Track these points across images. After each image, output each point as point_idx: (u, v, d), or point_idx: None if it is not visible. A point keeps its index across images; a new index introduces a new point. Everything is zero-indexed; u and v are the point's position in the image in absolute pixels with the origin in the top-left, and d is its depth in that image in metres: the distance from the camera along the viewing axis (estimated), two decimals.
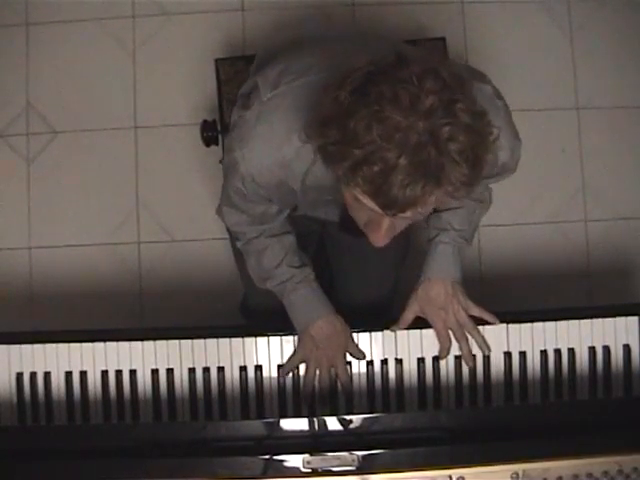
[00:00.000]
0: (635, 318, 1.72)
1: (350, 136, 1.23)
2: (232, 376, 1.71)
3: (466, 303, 1.71)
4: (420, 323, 1.72)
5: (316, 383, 1.72)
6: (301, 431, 1.61)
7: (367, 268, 1.88)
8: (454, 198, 1.27)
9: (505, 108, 1.53)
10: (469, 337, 1.71)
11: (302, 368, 1.73)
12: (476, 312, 1.71)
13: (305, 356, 1.71)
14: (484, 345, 1.71)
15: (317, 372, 1.72)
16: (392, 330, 1.72)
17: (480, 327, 1.71)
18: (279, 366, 1.72)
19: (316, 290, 1.72)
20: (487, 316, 1.71)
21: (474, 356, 1.71)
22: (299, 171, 1.48)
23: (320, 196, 1.55)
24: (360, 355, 1.72)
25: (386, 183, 1.22)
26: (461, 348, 1.71)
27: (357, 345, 1.73)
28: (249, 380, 1.71)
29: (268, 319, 1.91)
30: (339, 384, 1.72)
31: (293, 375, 1.72)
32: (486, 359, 1.72)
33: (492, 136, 1.28)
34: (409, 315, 1.71)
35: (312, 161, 1.43)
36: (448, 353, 1.71)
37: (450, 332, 1.71)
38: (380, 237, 1.36)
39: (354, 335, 1.73)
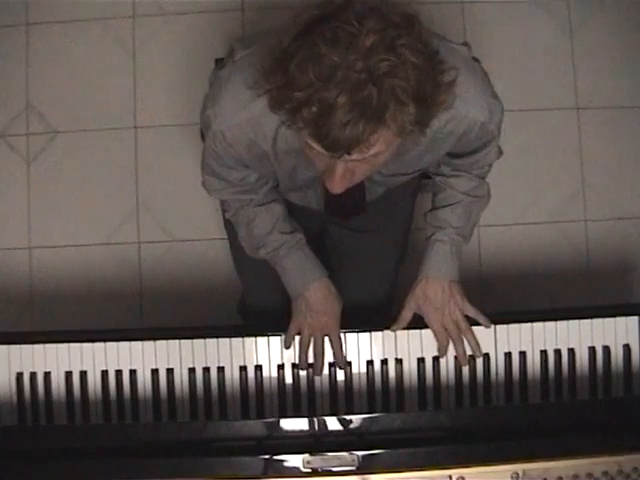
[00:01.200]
0: (635, 318, 1.72)
1: (290, 79, 1.22)
2: (232, 376, 1.71)
3: (463, 303, 1.71)
4: (420, 323, 1.72)
5: (311, 351, 1.72)
6: (301, 431, 1.61)
7: (366, 268, 1.89)
8: (406, 139, 1.25)
9: (481, 69, 1.53)
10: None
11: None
12: (472, 313, 1.72)
13: (300, 323, 1.71)
14: (477, 348, 1.71)
15: (311, 340, 1.72)
16: (392, 330, 1.72)
17: (481, 327, 1.71)
18: (279, 366, 1.72)
19: (308, 254, 1.72)
20: (481, 319, 1.72)
21: (472, 357, 1.71)
22: (269, 129, 1.46)
23: (294, 163, 1.54)
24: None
25: (326, 124, 1.21)
26: (456, 349, 1.71)
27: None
28: (249, 380, 1.71)
29: (265, 319, 1.92)
30: (338, 387, 1.72)
31: (293, 375, 1.72)
32: (486, 359, 1.72)
33: (445, 76, 1.26)
34: (407, 314, 1.72)
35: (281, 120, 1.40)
36: (446, 351, 1.71)
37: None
38: (335, 183, 1.34)
39: (354, 335, 1.73)
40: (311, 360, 1.72)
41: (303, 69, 1.21)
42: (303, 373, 1.72)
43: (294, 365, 1.73)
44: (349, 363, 1.72)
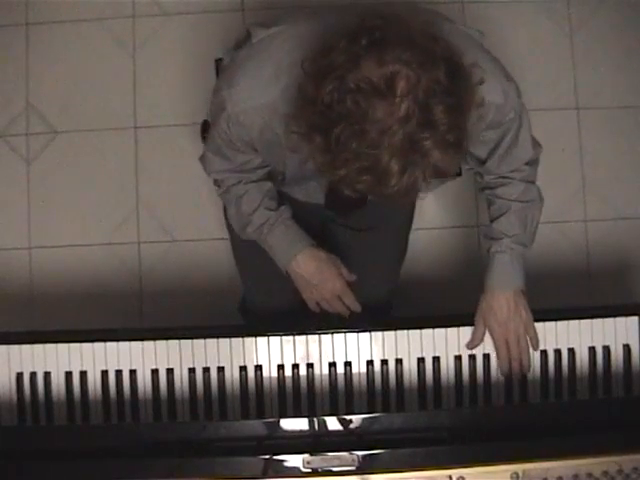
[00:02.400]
0: (635, 318, 1.72)
1: (334, 150, 1.25)
2: (232, 376, 1.71)
3: (528, 320, 1.70)
4: (420, 323, 1.73)
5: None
6: (301, 431, 1.61)
7: (367, 268, 1.89)
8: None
9: (493, 55, 1.54)
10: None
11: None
12: (531, 334, 1.71)
13: (311, 299, 1.74)
14: (527, 368, 1.71)
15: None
16: (468, 348, 1.72)
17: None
18: (279, 366, 1.72)
19: (290, 227, 1.72)
20: (534, 343, 1.71)
21: (473, 355, 1.71)
22: (283, 112, 1.45)
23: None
24: (351, 277, 1.75)
25: (376, 189, 1.27)
26: (510, 364, 1.71)
27: (349, 270, 1.75)
28: (249, 380, 1.71)
29: (266, 319, 1.92)
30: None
31: (293, 375, 1.72)
32: (486, 359, 1.73)
33: (474, 100, 1.29)
34: (479, 329, 1.71)
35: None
36: (508, 368, 1.71)
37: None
38: None
39: (354, 335, 1.73)
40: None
41: (347, 144, 1.24)
42: (303, 373, 1.72)
43: (294, 365, 1.72)
44: (349, 363, 1.72)
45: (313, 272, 1.72)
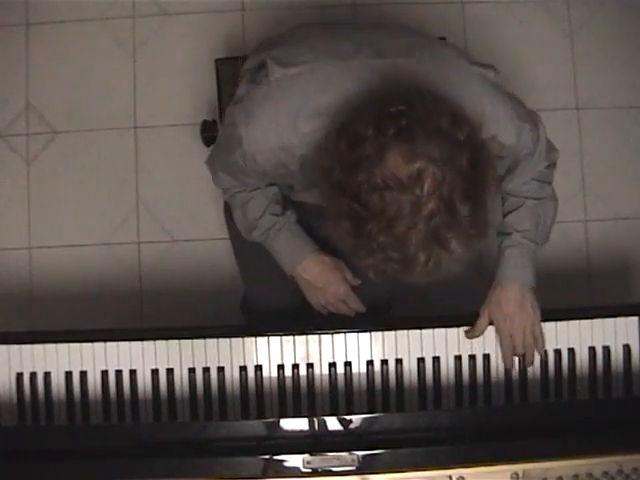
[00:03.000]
0: (635, 318, 1.72)
1: (362, 240, 1.28)
2: (232, 376, 1.71)
3: (535, 317, 1.69)
4: (420, 323, 1.73)
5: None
6: (301, 431, 1.61)
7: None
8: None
9: (507, 92, 1.55)
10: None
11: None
12: (537, 332, 1.70)
13: (317, 303, 1.74)
14: (529, 364, 1.71)
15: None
16: (468, 337, 1.71)
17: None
18: (279, 366, 1.72)
19: (296, 232, 1.72)
20: (540, 347, 1.71)
21: (473, 355, 1.71)
22: (299, 154, 1.48)
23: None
24: (356, 282, 1.75)
25: (401, 276, 1.31)
26: (509, 357, 1.71)
27: (353, 275, 1.75)
28: (249, 380, 1.71)
29: (268, 318, 1.91)
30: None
31: (293, 375, 1.72)
32: (486, 359, 1.72)
33: (495, 175, 1.33)
34: (483, 321, 1.70)
35: (315, 149, 1.44)
36: (512, 364, 1.71)
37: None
38: None
39: (354, 335, 1.73)
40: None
41: (375, 237, 1.27)
42: (303, 373, 1.72)
43: (294, 365, 1.72)
44: (349, 363, 1.72)
45: (318, 276, 1.73)
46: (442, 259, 1.28)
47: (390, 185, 1.24)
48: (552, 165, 1.71)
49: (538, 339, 1.70)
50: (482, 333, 1.71)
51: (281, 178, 1.62)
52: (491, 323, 1.71)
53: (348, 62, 1.46)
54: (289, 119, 1.45)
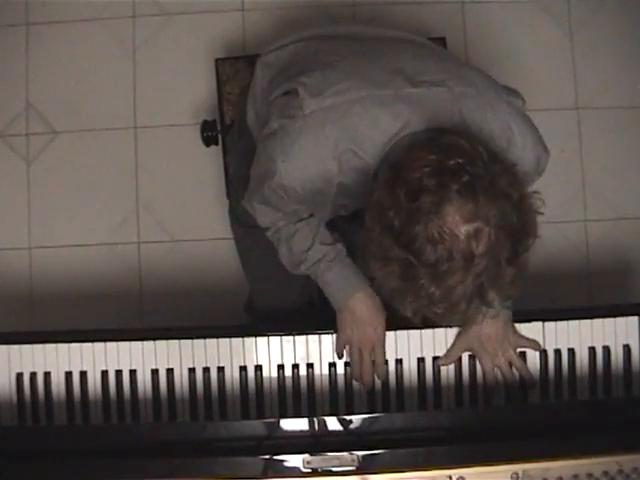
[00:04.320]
0: (635, 318, 1.72)
1: (410, 286, 1.31)
2: (232, 376, 1.71)
3: (517, 341, 1.70)
4: (420, 323, 1.72)
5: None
6: (301, 431, 1.61)
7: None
8: None
9: (532, 122, 1.58)
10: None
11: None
12: (526, 344, 1.71)
13: (347, 336, 1.70)
14: (531, 380, 1.71)
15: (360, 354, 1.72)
16: (439, 365, 1.71)
17: None
18: (279, 366, 1.72)
19: (349, 265, 1.70)
20: (534, 345, 1.72)
21: (474, 355, 1.71)
22: (337, 182, 1.50)
23: (348, 200, 1.58)
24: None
25: (440, 320, 1.36)
26: (505, 381, 1.72)
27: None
28: (249, 380, 1.71)
29: (273, 319, 1.91)
30: (375, 378, 1.72)
31: (293, 375, 1.72)
32: None
33: (536, 229, 1.37)
34: (458, 353, 1.71)
35: (354, 179, 1.48)
36: (495, 388, 1.71)
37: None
38: None
39: None
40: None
41: (425, 287, 1.30)
42: (303, 373, 1.72)
43: (294, 365, 1.73)
44: (349, 363, 1.72)
45: (363, 312, 1.69)
46: (480, 309, 1.33)
47: (446, 239, 1.27)
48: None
49: (520, 370, 1.72)
50: (453, 362, 1.72)
51: (315, 206, 1.62)
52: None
53: (382, 91, 1.46)
54: (328, 151, 1.45)
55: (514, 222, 1.30)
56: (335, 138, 1.45)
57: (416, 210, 1.28)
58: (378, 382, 1.71)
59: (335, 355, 1.72)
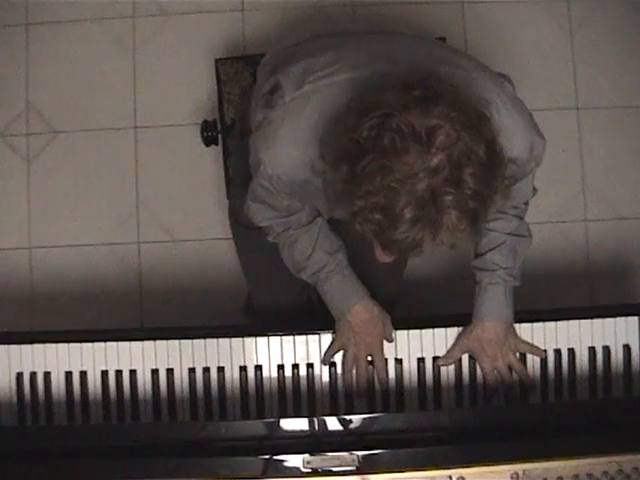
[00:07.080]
0: (635, 318, 1.72)
1: (356, 181, 1.26)
2: (232, 376, 1.71)
3: (517, 345, 1.70)
4: (420, 323, 1.73)
5: (353, 372, 1.71)
6: (301, 431, 1.61)
7: (371, 268, 1.88)
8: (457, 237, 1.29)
9: (525, 106, 1.54)
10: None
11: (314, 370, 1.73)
12: (526, 350, 1.71)
13: (343, 344, 1.70)
14: (530, 383, 1.71)
15: (355, 361, 1.71)
16: (439, 364, 1.71)
17: None
18: (279, 366, 1.72)
19: (349, 276, 1.70)
20: (535, 351, 1.71)
21: (473, 358, 1.71)
22: (321, 169, 1.46)
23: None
24: (390, 339, 1.72)
25: (388, 231, 1.26)
26: (504, 383, 1.72)
27: (391, 333, 1.72)
28: (249, 380, 1.71)
29: (272, 319, 1.91)
30: (375, 380, 1.71)
31: (293, 375, 1.72)
32: None
33: (502, 186, 1.30)
34: (457, 354, 1.71)
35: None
36: (495, 392, 1.71)
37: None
38: (383, 255, 1.37)
39: None
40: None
41: (371, 177, 1.24)
42: (303, 373, 1.72)
43: (294, 365, 1.72)
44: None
45: (361, 323, 1.69)
46: (428, 225, 1.25)
47: (403, 130, 1.23)
48: (527, 202, 1.70)
49: (518, 372, 1.72)
50: (454, 362, 1.72)
51: (310, 200, 1.60)
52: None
53: (362, 73, 1.45)
54: (308, 137, 1.44)
55: (479, 145, 1.25)
56: (315, 121, 1.44)
57: (377, 103, 1.26)
58: (378, 382, 1.71)
59: (322, 359, 1.72)
